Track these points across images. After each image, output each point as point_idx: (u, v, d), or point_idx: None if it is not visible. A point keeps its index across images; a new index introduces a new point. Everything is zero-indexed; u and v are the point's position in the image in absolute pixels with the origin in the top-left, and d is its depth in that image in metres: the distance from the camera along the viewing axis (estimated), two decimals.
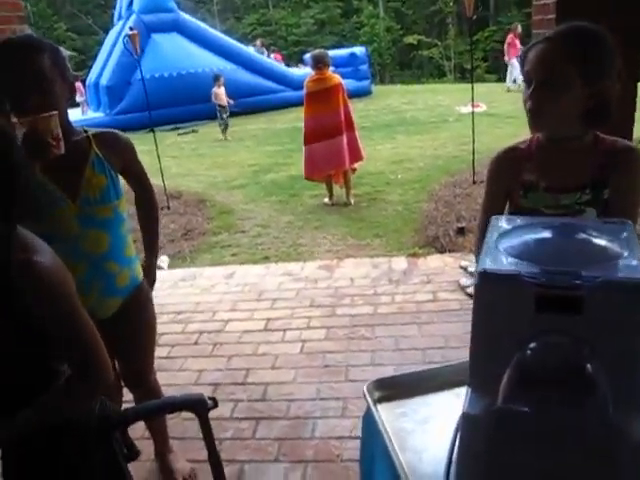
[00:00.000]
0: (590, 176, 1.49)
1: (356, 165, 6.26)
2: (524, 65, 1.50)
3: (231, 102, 11.87)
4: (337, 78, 5.93)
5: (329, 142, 5.84)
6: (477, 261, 1.69)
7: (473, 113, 7.21)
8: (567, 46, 1.42)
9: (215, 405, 1.33)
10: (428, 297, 3.64)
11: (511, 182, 1.62)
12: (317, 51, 6.07)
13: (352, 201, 6.15)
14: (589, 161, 1.50)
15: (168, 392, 2.87)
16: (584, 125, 1.49)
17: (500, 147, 1.69)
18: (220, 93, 11.76)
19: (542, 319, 0.84)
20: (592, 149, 1.51)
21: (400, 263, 4.27)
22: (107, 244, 1.77)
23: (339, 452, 2.36)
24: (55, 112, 1.52)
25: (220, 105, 11.65)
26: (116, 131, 1.90)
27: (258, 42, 18.34)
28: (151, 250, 2.08)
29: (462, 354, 3.00)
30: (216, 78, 11.97)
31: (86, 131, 1.79)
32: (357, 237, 5.05)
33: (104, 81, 14.49)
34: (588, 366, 0.81)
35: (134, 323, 1.94)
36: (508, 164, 1.63)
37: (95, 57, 18.37)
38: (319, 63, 5.83)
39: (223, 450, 2.34)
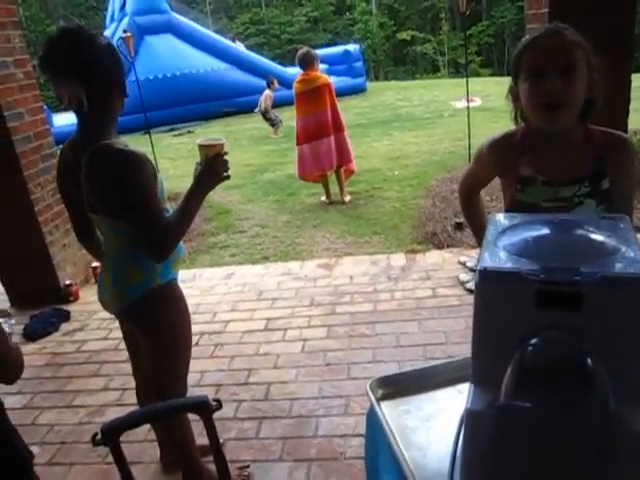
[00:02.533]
0: (589, 168, 1.51)
1: (353, 167, 6.18)
2: (523, 62, 1.49)
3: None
4: (324, 78, 5.84)
5: (317, 143, 5.82)
6: (467, 221, 1.96)
7: (468, 108, 7.23)
8: (574, 38, 1.45)
9: (219, 406, 1.33)
10: (428, 293, 3.65)
11: (505, 169, 1.65)
12: (302, 50, 5.93)
13: (346, 199, 6.14)
14: (586, 153, 1.52)
15: None
16: (578, 119, 1.51)
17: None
18: (267, 96, 11.77)
19: (543, 315, 0.85)
20: (585, 141, 1.53)
21: (399, 260, 4.28)
22: None
23: (343, 450, 2.37)
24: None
25: (264, 107, 11.67)
26: None
27: (237, 41, 18.34)
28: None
29: (463, 350, 3.01)
30: (270, 82, 11.97)
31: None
32: (355, 235, 5.06)
33: None
34: (588, 361, 0.82)
35: None
36: (505, 151, 1.64)
37: None
38: (304, 63, 5.77)
39: (227, 450, 2.35)
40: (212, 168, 1.79)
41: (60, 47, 1.67)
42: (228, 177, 1.83)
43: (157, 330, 1.93)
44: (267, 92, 11.81)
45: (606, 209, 1.51)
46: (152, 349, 1.96)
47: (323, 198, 6.26)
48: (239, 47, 16.58)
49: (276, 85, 12.01)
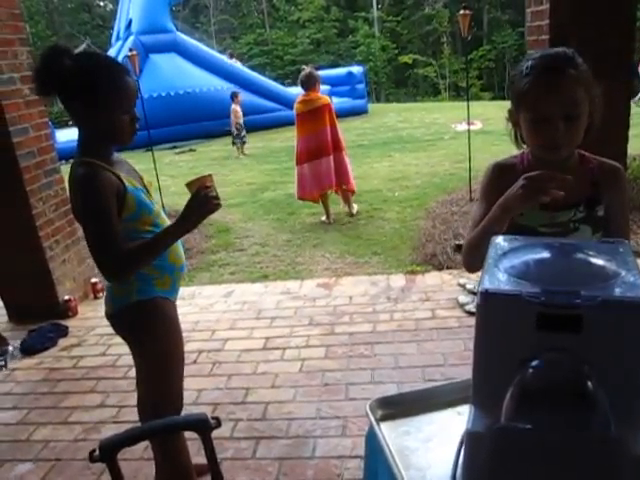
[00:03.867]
0: (583, 194, 1.53)
1: (353, 187, 6.23)
2: (526, 97, 1.44)
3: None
4: (325, 99, 5.92)
5: (316, 162, 5.88)
6: (467, 268, 1.68)
7: (469, 131, 7.29)
8: (576, 72, 1.41)
9: (219, 425, 1.33)
10: (427, 314, 3.65)
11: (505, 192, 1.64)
12: (305, 72, 5.99)
13: (354, 211, 6.28)
14: (581, 178, 1.53)
15: None
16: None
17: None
18: (237, 110, 11.88)
19: (543, 338, 0.86)
20: (580, 167, 1.55)
21: (398, 280, 4.28)
22: None
23: (340, 472, 2.35)
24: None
25: (237, 122, 11.77)
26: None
27: (227, 53, 18.52)
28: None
29: (461, 372, 3.00)
30: (234, 95, 12.11)
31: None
32: (355, 255, 5.07)
33: None
34: (589, 384, 0.83)
35: None
36: (508, 175, 1.64)
37: None
38: (306, 84, 5.86)
39: (223, 471, 2.31)
40: (198, 200, 1.79)
41: (43, 65, 1.74)
42: (219, 206, 1.83)
43: (141, 345, 1.96)
44: (233, 107, 11.94)
45: (603, 237, 1.52)
46: (137, 364, 1.99)
47: (323, 218, 6.29)
48: (235, 64, 16.73)
49: (240, 98, 12.12)
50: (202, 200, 1.78)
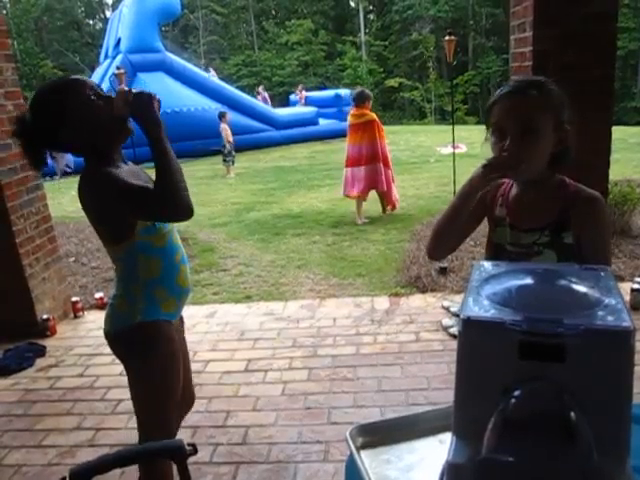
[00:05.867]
0: (550, 219, 1.54)
1: (394, 202, 7.07)
2: (492, 116, 1.53)
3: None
4: (371, 115, 6.77)
5: (358, 169, 6.81)
6: (430, 254, 1.73)
7: (454, 154, 7.36)
8: (539, 96, 1.48)
9: (195, 452, 1.29)
10: (411, 337, 3.63)
11: (487, 202, 1.67)
12: (358, 90, 7.24)
13: (387, 211, 7.16)
14: (551, 204, 1.55)
15: None
16: (550, 169, 1.54)
17: None
18: (227, 129, 11.94)
19: (526, 366, 0.84)
20: (556, 193, 1.56)
21: (382, 303, 4.26)
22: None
23: None
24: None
25: (228, 141, 11.82)
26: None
27: (211, 71, 18.62)
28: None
29: (445, 395, 2.98)
30: (221, 115, 12.18)
31: None
32: (339, 276, 5.05)
33: None
34: (572, 414, 0.81)
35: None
36: (494, 190, 1.67)
37: None
38: (357, 100, 6.86)
39: None
40: (137, 104, 1.72)
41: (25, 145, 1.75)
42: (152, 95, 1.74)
43: (138, 368, 1.89)
44: (223, 126, 12.02)
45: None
46: (131, 386, 1.92)
47: (357, 220, 6.91)
48: (212, 77, 16.78)
49: (228, 117, 12.23)
50: (139, 101, 1.72)
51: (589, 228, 1.52)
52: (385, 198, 7.06)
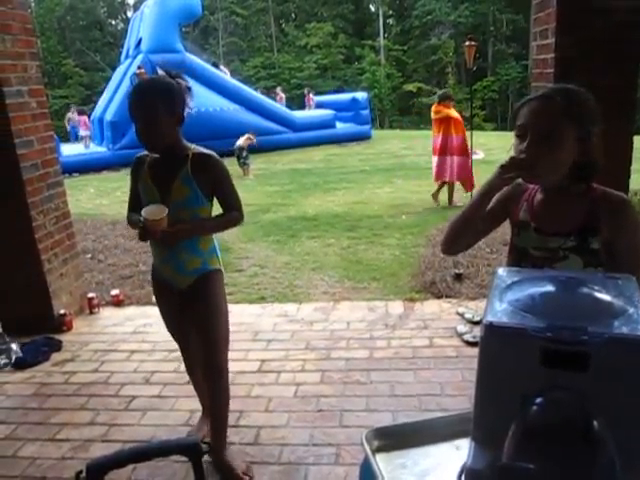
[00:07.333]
0: (576, 223, 1.52)
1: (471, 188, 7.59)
2: (517, 119, 1.55)
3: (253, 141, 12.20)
4: (450, 112, 7.73)
5: (442, 158, 7.74)
6: (444, 249, 1.84)
7: (472, 160, 7.33)
8: (565, 104, 1.47)
9: (209, 450, 1.30)
10: (424, 343, 3.61)
11: (509, 208, 1.67)
12: (443, 90, 8.84)
13: (451, 204, 7.81)
14: (577, 208, 1.53)
15: (159, 433, 2.84)
16: (573, 178, 1.53)
17: None
18: (250, 139, 12.29)
19: (548, 374, 0.84)
20: (583, 198, 1.54)
21: (396, 307, 4.25)
22: None
23: None
24: (164, 215, 2.17)
25: (244, 146, 12.03)
26: (212, 153, 2.32)
27: (222, 66, 18.69)
28: (202, 221, 2.36)
29: (457, 402, 2.96)
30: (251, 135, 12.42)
31: (190, 149, 2.29)
32: (354, 280, 5.04)
33: (109, 116, 14.71)
34: (595, 423, 0.80)
35: (203, 298, 2.39)
36: (514, 189, 1.66)
37: (101, 93, 18.73)
38: (440, 99, 7.93)
39: None
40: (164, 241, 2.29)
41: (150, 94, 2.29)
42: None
43: (216, 303, 2.43)
44: (248, 135, 12.30)
45: (607, 271, 1.50)
46: (202, 319, 2.39)
47: (433, 204, 7.89)
48: (223, 74, 16.75)
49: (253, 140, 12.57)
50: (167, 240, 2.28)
51: (619, 231, 1.50)
52: (464, 185, 7.84)
